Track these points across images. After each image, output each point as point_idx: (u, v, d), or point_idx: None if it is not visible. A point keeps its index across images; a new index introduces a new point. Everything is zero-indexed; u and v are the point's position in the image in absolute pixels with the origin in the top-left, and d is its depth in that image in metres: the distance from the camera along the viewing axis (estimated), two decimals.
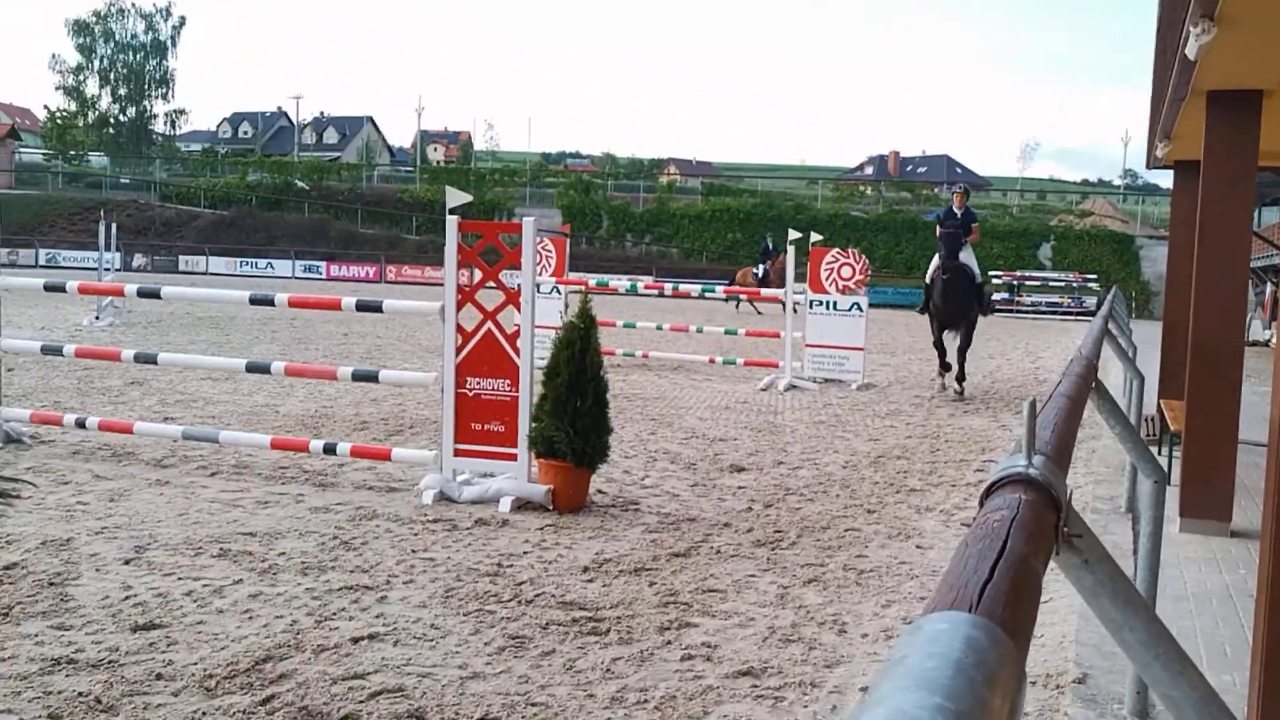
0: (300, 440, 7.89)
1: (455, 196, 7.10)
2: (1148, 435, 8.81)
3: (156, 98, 71.21)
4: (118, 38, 69.74)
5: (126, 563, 5.32)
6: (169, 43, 70.71)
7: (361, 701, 3.80)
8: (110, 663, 4.05)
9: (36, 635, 4.31)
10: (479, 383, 6.99)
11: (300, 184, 53.98)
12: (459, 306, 7.04)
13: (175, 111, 72.71)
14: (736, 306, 31.66)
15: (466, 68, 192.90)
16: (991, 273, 37.24)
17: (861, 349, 13.99)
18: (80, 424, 8.06)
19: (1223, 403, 6.37)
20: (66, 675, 3.93)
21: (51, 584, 4.94)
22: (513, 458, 6.91)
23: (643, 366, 15.15)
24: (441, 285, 7.27)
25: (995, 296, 35.18)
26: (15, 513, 6.17)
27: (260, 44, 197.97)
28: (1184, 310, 8.01)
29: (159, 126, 72.55)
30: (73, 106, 70.44)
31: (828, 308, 14.01)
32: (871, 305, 14.78)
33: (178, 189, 55.85)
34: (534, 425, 6.79)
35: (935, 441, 9.99)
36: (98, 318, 18.92)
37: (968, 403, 12.65)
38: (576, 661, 4.27)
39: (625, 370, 14.35)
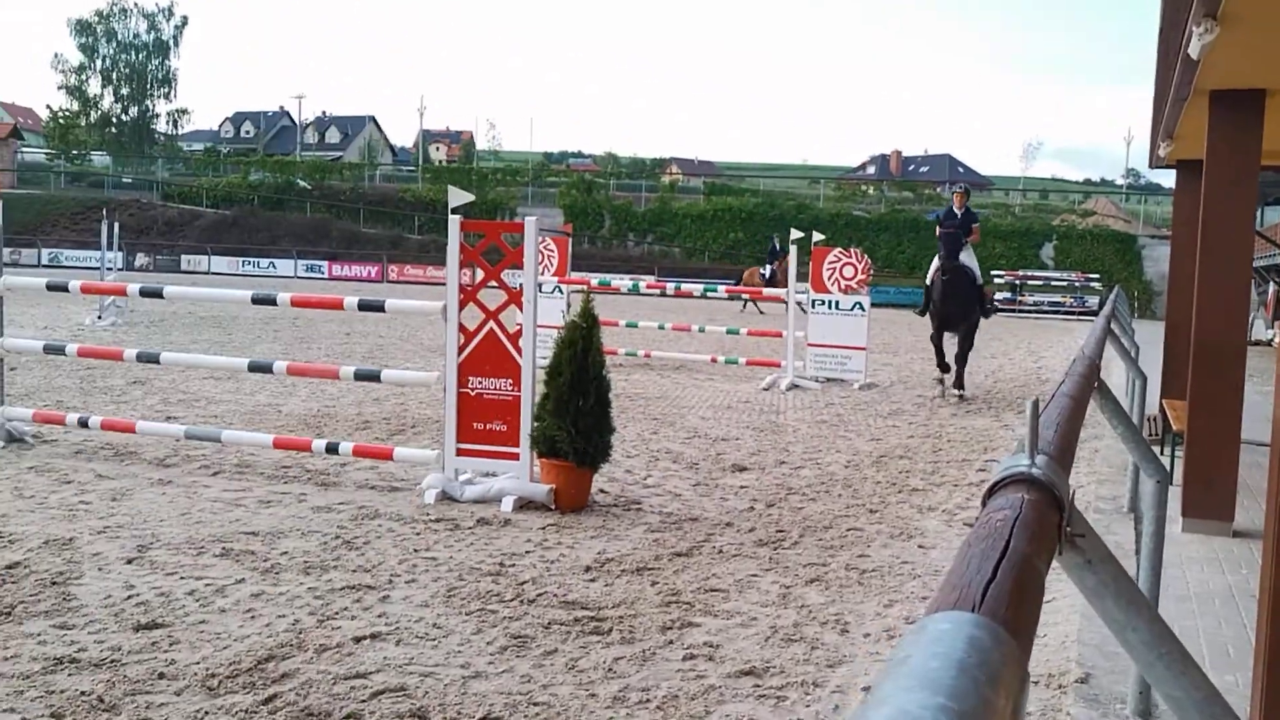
0: (302, 440, 7.89)
1: (457, 196, 7.10)
2: (1150, 435, 8.81)
3: (159, 97, 71.37)
4: (120, 37, 69.83)
5: (129, 562, 5.32)
6: (171, 42, 70.83)
7: (363, 701, 3.80)
8: (113, 662, 4.06)
9: (39, 634, 4.31)
10: (481, 382, 6.99)
11: (302, 183, 54.02)
12: (461, 306, 7.04)
13: (177, 111, 72.90)
14: (743, 307, 31.66)
15: (468, 67, 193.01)
16: (994, 272, 37.25)
17: (864, 348, 13.98)
18: (83, 423, 8.06)
19: (1225, 402, 6.36)
20: (69, 674, 3.94)
21: (54, 583, 4.94)
22: (515, 457, 6.91)
23: (645, 366, 15.15)
24: (443, 285, 7.28)
25: (997, 297, 35.22)
26: (18, 512, 6.18)
27: (262, 43, 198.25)
28: (1186, 310, 8.00)
29: (161, 126, 72.74)
30: (75, 106, 70.55)
31: (830, 307, 14.00)
32: (874, 305, 14.75)
33: (180, 188, 55.93)
34: (536, 425, 6.79)
35: (937, 441, 9.99)
36: (100, 317, 18.94)
37: (970, 402, 12.64)
38: (579, 661, 4.27)
39: (627, 370, 14.35)
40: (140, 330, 18.14)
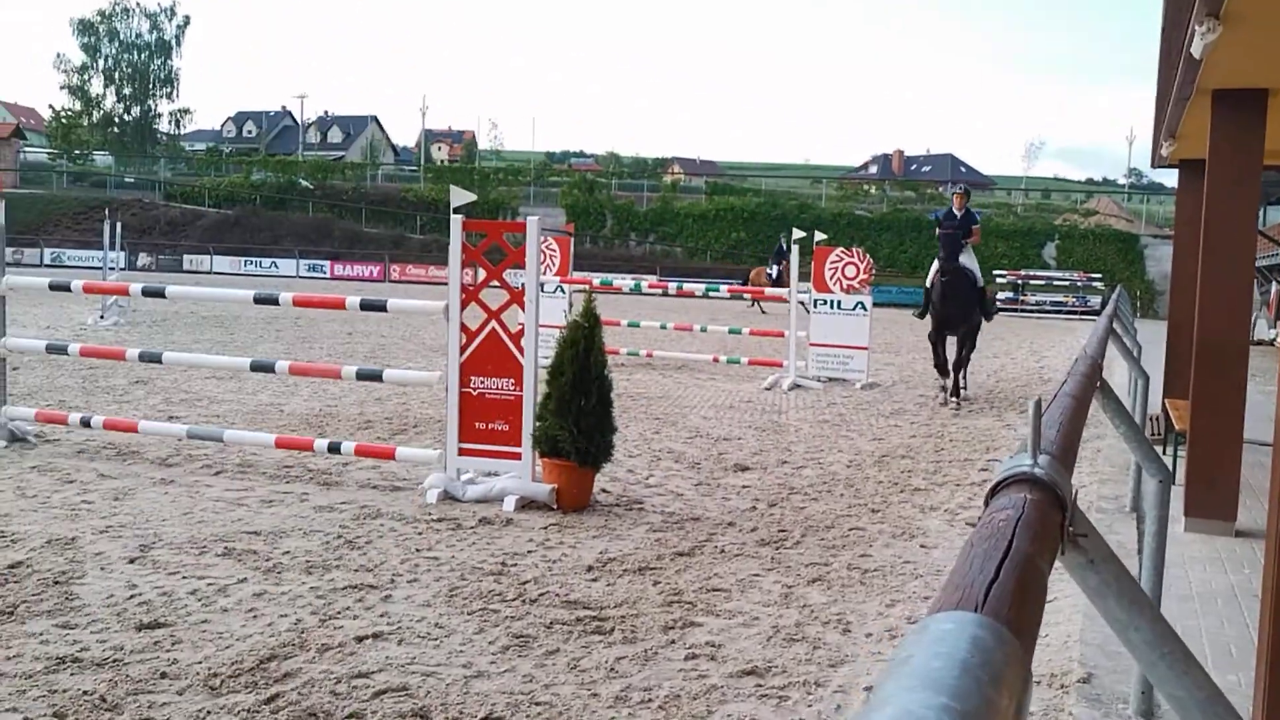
0: (305, 439, 7.90)
1: (459, 196, 7.10)
2: (1153, 435, 8.80)
3: (161, 97, 71.48)
4: (122, 37, 69.90)
5: (131, 561, 5.33)
6: (173, 42, 70.90)
7: (366, 700, 3.80)
8: (115, 661, 4.06)
9: (41, 634, 4.32)
10: (483, 382, 6.99)
11: (305, 183, 54.04)
12: (463, 305, 7.04)
13: (180, 111, 72.99)
14: (751, 304, 31.64)
15: (471, 67, 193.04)
16: (996, 272, 37.25)
17: (866, 348, 13.98)
18: (85, 423, 8.07)
19: (1228, 402, 6.36)
20: (71, 674, 3.94)
21: (56, 583, 4.95)
22: (517, 457, 6.91)
23: (647, 365, 15.15)
24: (445, 284, 7.28)
25: (999, 296, 35.21)
26: (21, 511, 6.18)
27: (265, 43, 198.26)
28: (1189, 309, 8.00)
29: (163, 126, 72.85)
30: (77, 106, 70.65)
31: (832, 307, 14.00)
32: (876, 304, 14.75)
33: (182, 188, 55.97)
34: (538, 424, 6.79)
35: (939, 441, 9.98)
36: (102, 317, 18.95)
37: (972, 402, 12.63)
38: (580, 661, 4.27)
39: (629, 369, 14.35)
40: (142, 330, 18.15)
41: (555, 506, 6.70)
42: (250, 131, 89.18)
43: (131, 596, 4.80)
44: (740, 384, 13.59)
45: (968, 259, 12.37)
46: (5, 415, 8.09)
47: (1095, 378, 3.06)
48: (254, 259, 46.05)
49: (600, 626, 4.65)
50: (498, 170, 57.99)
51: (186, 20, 71.05)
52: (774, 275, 29.87)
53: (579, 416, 6.65)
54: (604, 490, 7.23)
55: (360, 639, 4.38)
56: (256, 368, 8.42)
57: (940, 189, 55.25)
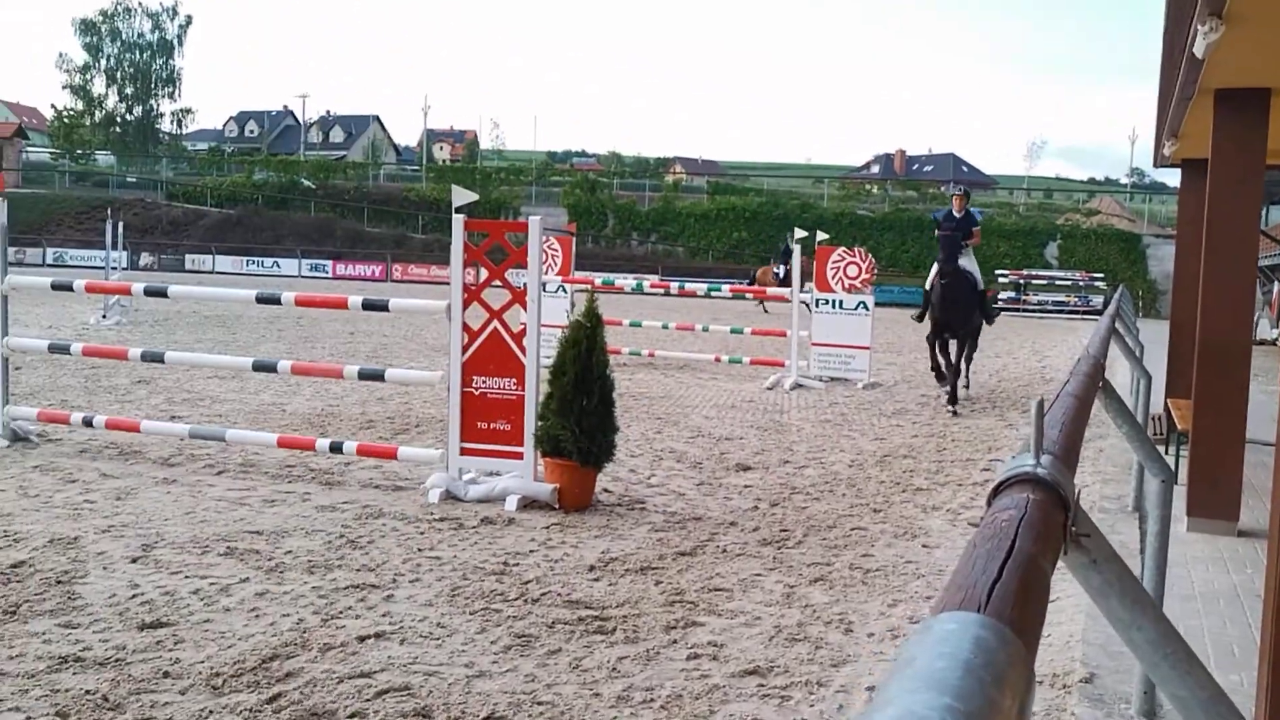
0: (307, 439, 7.90)
1: (461, 195, 7.10)
2: (1155, 434, 8.80)
3: (163, 97, 71.55)
4: (124, 37, 69.97)
5: (133, 561, 5.33)
6: (175, 42, 70.97)
7: (368, 700, 3.80)
8: (117, 661, 4.06)
9: (44, 633, 4.32)
10: (485, 381, 6.99)
11: (306, 183, 54.06)
12: (465, 305, 7.04)
13: (182, 110, 73.06)
14: (759, 305, 31.61)
15: (472, 67, 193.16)
16: (998, 271, 37.24)
17: (867, 348, 13.97)
18: (87, 422, 8.08)
19: (1230, 402, 6.35)
20: (74, 673, 3.94)
21: (59, 582, 4.95)
22: (519, 456, 6.91)
23: (649, 365, 15.15)
24: (447, 284, 7.28)
25: (1001, 296, 35.18)
26: (23, 511, 6.19)
27: (267, 43, 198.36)
28: (1191, 309, 7.99)
29: (165, 125, 72.92)
30: (80, 105, 70.71)
31: (834, 306, 13.99)
32: (877, 304, 14.73)
33: (184, 188, 55.99)
34: (540, 424, 6.79)
35: (942, 440, 9.98)
36: (104, 316, 18.97)
37: (974, 402, 12.62)
38: (582, 660, 4.27)
39: (631, 369, 14.35)
40: (145, 329, 18.16)
41: (557, 506, 6.70)
42: (252, 131, 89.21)
43: (134, 596, 4.81)
44: (742, 384, 13.59)
45: (967, 261, 12.19)
46: (8, 415, 8.10)
47: (1098, 377, 3.05)
48: (256, 259, 46.08)
49: (602, 626, 4.65)
50: (499, 170, 58.00)
51: (188, 20, 71.23)
52: (781, 275, 29.86)
53: (581, 416, 6.65)
54: (606, 490, 7.24)
55: (362, 639, 4.38)
56: (259, 367, 8.42)
57: (942, 188, 55.22)
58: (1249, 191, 6.47)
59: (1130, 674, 3.95)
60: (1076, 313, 35.76)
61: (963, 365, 12.25)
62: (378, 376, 7.94)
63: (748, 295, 28.05)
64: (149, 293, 8.55)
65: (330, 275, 44.88)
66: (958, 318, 11.91)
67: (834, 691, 4.08)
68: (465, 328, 7.02)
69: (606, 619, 4.74)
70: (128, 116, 70.68)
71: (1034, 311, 35.99)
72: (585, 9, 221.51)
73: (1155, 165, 12.10)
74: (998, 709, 0.69)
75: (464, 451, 7.03)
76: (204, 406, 10.23)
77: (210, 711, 3.67)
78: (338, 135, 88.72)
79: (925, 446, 9.62)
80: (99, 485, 6.93)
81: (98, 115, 70.44)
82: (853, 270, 13.96)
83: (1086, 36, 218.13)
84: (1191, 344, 6.96)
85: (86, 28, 69.29)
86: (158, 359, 8.68)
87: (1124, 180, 77.34)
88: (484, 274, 7.23)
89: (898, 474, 8.33)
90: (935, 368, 12.40)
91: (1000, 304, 31.80)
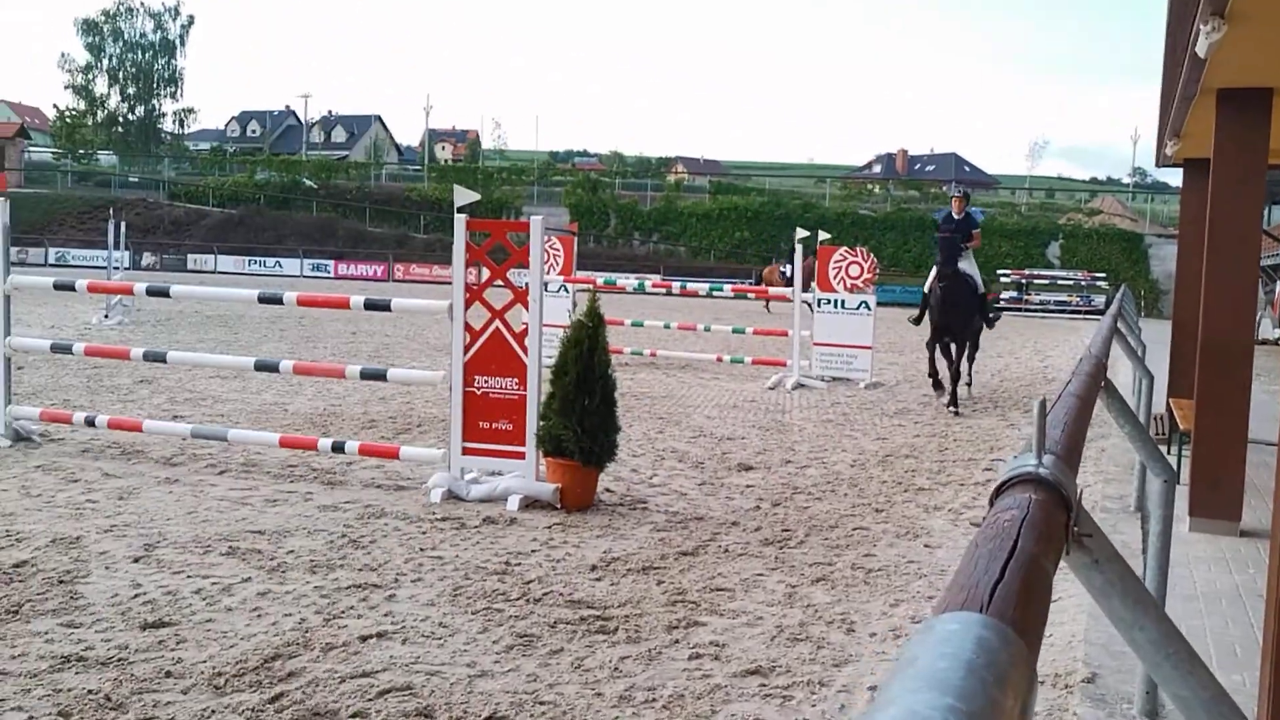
0: (309, 439, 7.91)
1: (463, 195, 7.11)
2: (1157, 434, 8.79)
3: (165, 96, 71.54)
4: (126, 37, 70.00)
5: (136, 561, 5.33)
6: (177, 42, 71.00)
7: (370, 699, 3.81)
8: (119, 660, 4.07)
9: (46, 633, 4.32)
10: (487, 381, 7.00)
11: (308, 182, 54.08)
12: (467, 305, 7.04)
13: (184, 110, 73.07)
14: (766, 306, 31.59)
15: (474, 66, 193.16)
16: (999, 271, 37.23)
17: (869, 348, 13.97)
18: (89, 422, 8.08)
19: (1232, 401, 6.35)
20: (76, 673, 3.95)
21: (61, 582, 4.96)
22: (520, 456, 6.91)
23: (650, 365, 15.15)
24: (449, 284, 7.28)
25: (1003, 296, 35.16)
26: (25, 510, 6.19)
27: (268, 43, 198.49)
28: (1193, 309, 7.99)
29: (168, 125, 72.95)
30: (82, 105, 70.73)
31: (836, 306, 13.99)
32: (879, 304, 14.73)
33: (186, 188, 56.03)
34: (542, 424, 6.80)
35: (943, 440, 9.97)
36: (107, 316, 18.98)
37: (976, 402, 12.61)
38: (584, 660, 4.27)
39: (633, 369, 14.35)
40: (147, 329, 18.18)
41: (559, 506, 6.71)
42: (254, 131, 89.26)
43: (136, 595, 4.81)
44: (744, 383, 13.59)
45: (967, 264, 12.03)
46: (10, 414, 8.10)
47: (1100, 377, 3.05)
48: (258, 258, 46.12)
49: (604, 626, 4.65)
50: (501, 169, 58.02)
51: (190, 20, 71.26)
52: (788, 274, 29.85)
53: (583, 416, 6.65)
54: (608, 490, 7.24)
55: (364, 638, 4.38)
56: (261, 367, 8.43)
57: (944, 188, 55.20)
58: (1251, 191, 6.47)
59: (1132, 674, 3.94)
60: (1078, 312, 35.74)
61: (964, 366, 12.18)
62: (380, 376, 7.94)
63: (749, 295, 28.06)
64: (151, 293, 8.56)
65: (332, 275, 44.90)
66: (957, 321, 11.81)
67: (836, 691, 4.08)
68: (467, 327, 7.03)
69: (608, 619, 4.74)
70: (130, 116, 70.71)
71: (1036, 311, 35.98)
72: (587, 9, 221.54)
73: (1157, 165, 12.09)
74: (1000, 709, 0.69)
75: (466, 451, 7.03)
76: (206, 406, 10.23)
77: (212, 711, 3.67)
78: (340, 135, 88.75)
79: (927, 446, 9.62)
80: (101, 485, 6.93)
81: (100, 115, 70.47)
82: (855, 270, 13.96)
83: (1089, 36, 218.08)
84: (1193, 344, 6.95)
85: (89, 28, 69.34)
86: (160, 359, 8.69)
87: (1126, 180, 77.26)
88: (486, 274, 7.23)
89: (900, 474, 8.33)
90: (933, 374, 12.30)
91: (1001, 305, 31.76)
